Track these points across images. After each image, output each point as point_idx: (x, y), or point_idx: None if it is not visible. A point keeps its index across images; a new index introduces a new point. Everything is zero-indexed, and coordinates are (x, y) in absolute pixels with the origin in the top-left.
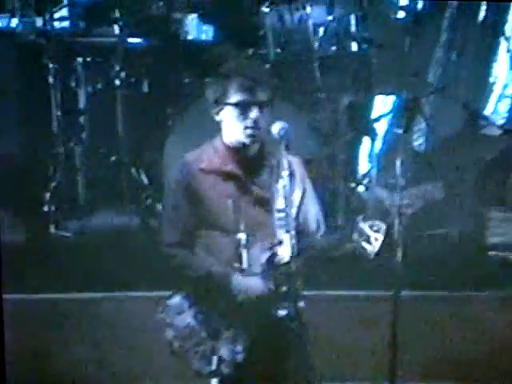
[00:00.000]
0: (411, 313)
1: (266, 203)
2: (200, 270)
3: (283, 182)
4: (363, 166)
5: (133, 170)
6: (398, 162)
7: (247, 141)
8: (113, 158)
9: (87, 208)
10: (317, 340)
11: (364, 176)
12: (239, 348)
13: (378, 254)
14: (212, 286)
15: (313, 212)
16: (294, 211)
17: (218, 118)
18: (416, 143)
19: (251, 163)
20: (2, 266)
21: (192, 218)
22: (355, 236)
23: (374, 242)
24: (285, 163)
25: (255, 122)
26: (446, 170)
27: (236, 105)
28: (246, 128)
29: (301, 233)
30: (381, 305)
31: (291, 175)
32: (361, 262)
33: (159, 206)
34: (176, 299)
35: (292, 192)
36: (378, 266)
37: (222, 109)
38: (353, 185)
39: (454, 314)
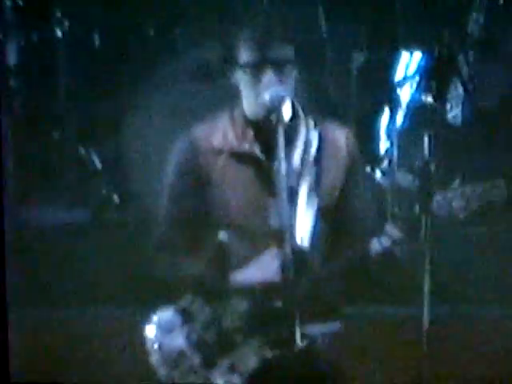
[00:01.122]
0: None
1: (292, 195)
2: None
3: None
4: (381, 144)
5: (81, 150)
6: (427, 140)
7: (263, 113)
8: (54, 135)
9: (20, 199)
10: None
11: (382, 158)
12: (237, 380)
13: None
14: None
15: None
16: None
17: (233, 80)
18: (450, 115)
19: (273, 142)
20: None
21: (197, 219)
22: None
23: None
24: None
25: (271, 88)
26: (487, 150)
27: (245, 65)
28: (259, 96)
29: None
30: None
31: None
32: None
33: (116, 198)
34: (166, 314)
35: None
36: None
37: (233, 69)
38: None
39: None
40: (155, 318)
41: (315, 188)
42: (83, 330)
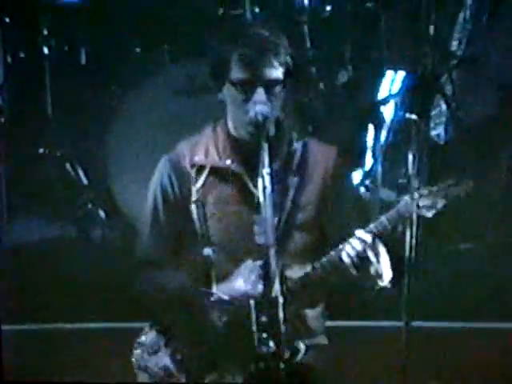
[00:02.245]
0: (425, 346)
1: (275, 210)
2: (177, 291)
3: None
4: (365, 161)
5: (67, 166)
6: (411, 157)
7: (248, 129)
8: (41, 150)
9: (8, 214)
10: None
11: (366, 174)
12: None
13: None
14: (192, 314)
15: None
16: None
17: (220, 95)
18: (434, 132)
19: (257, 158)
20: None
21: (180, 235)
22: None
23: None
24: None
25: (259, 105)
26: (471, 166)
27: (236, 83)
28: (247, 113)
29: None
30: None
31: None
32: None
33: (101, 213)
34: (150, 335)
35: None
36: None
37: (221, 85)
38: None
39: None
40: (140, 339)
41: (297, 202)
42: (70, 344)
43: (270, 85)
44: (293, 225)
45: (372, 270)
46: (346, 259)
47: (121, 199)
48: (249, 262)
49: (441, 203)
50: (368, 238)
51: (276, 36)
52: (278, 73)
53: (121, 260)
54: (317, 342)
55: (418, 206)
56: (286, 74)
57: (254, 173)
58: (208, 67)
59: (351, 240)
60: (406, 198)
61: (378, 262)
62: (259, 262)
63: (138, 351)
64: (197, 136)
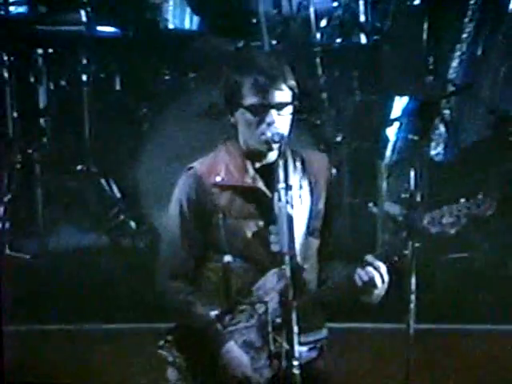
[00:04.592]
0: (426, 348)
1: (290, 221)
2: (200, 321)
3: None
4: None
5: (102, 181)
6: (412, 173)
7: (264, 148)
8: (79, 167)
9: (48, 226)
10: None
11: (374, 189)
12: None
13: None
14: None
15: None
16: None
17: (232, 119)
18: (434, 152)
19: (273, 175)
20: None
21: (204, 246)
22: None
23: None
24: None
25: (272, 126)
26: (468, 184)
27: (250, 108)
28: (262, 134)
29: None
30: (393, 338)
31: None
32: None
33: (132, 224)
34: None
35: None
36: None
37: (235, 109)
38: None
39: (478, 350)
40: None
41: (306, 212)
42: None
43: (280, 107)
44: (306, 232)
45: (377, 291)
46: (358, 282)
47: (149, 211)
48: (273, 271)
49: (464, 220)
50: (381, 265)
51: (282, 63)
52: (286, 96)
53: (149, 267)
54: (320, 336)
55: (440, 223)
56: (293, 96)
57: (270, 187)
58: (222, 94)
59: (366, 266)
60: (430, 215)
61: (383, 282)
62: (280, 271)
63: (165, 347)
64: (212, 155)
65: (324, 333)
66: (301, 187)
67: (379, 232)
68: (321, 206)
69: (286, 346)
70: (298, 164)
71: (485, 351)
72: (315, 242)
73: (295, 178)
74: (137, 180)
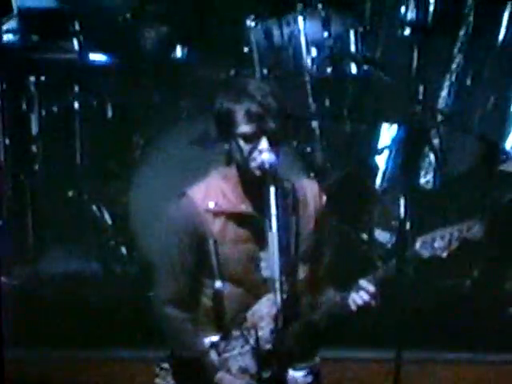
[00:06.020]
0: (415, 376)
1: (281, 246)
2: (194, 350)
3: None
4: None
5: (94, 208)
6: (402, 201)
7: (256, 174)
8: (70, 194)
9: (38, 251)
10: None
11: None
12: None
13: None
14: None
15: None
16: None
17: (226, 146)
18: (423, 180)
19: (263, 201)
20: None
21: (198, 272)
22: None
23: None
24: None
25: (264, 153)
26: (457, 211)
27: (242, 135)
28: (254, 161)
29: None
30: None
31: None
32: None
33: (123, 250)
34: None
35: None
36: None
37: (228, 137)
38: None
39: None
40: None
41: (295, 236)
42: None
43: (272, 135)
44: (296, 258)
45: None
46: (352, 306)
47: (140, 237)
48: (267, 296)
49: (455, 245)
50: (373, 289)
51: (274, 91)
52: (278, 124)
53: (140, 294)
54: (313, 362)
55: (432, 247)
56: (285, 124)
57: (262, 214)
58: (214, 122)
59: (359, 290)
60: (422, 239)
61: (376, 303)
62: (272, 297)
63: (160, 376)
64: (204, 181)
65: (317, 360)
66: (291, 214)
67: (370, 258)
68: (311, 232)
69: (279, 372)
70: (289, 191)
71: (477, 380)
72: (306, 269)
73: (286, 204)
74: (127, 207)
